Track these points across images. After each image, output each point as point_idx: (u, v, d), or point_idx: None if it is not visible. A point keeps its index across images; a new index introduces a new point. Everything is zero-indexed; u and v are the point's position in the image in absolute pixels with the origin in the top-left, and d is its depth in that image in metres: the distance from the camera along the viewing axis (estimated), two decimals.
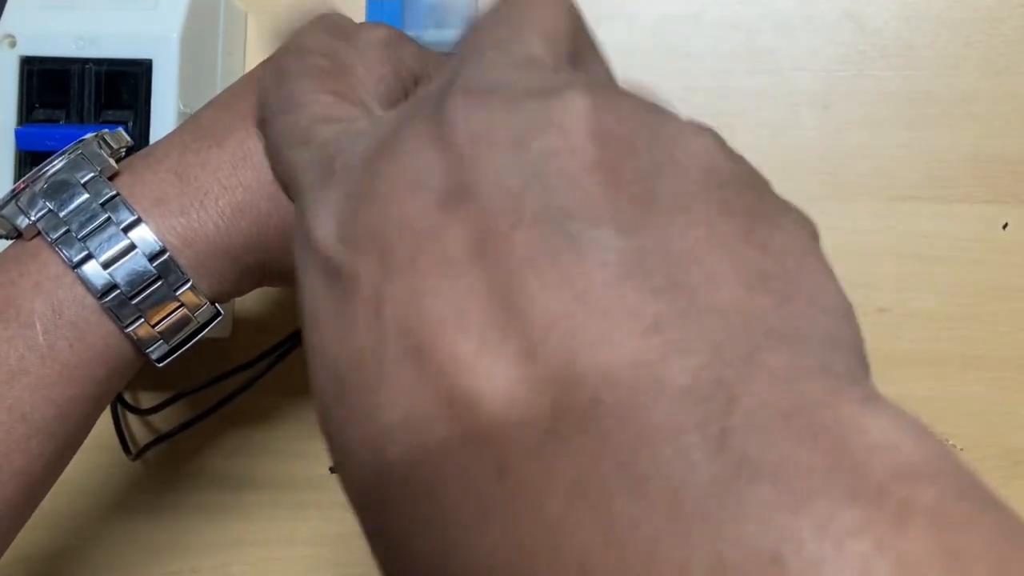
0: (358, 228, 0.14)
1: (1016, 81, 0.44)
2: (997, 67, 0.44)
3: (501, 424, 0.12)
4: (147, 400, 0.44)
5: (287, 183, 0.17)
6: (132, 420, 0.45)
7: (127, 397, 0.44)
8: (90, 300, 0.30)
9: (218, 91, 0.43)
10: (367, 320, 0.14)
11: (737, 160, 0.14)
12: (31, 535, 0.32)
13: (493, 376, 0.12)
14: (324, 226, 0.15)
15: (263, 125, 0.18)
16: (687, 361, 0.12)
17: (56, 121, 0.40)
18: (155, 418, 0.44)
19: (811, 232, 0.14)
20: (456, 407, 0.12)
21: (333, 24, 0.21)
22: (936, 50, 0.44)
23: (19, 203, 0.30)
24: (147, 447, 0.44)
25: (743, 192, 0.14)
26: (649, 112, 0.14)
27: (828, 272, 0.14)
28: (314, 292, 0.15)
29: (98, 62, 0.39)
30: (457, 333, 0.13)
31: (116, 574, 0.45)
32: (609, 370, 0.12)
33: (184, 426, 0.44)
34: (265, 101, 0.19)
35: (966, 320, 0.43)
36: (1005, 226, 0.44)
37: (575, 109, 0.14)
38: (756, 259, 0.13)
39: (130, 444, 0.44)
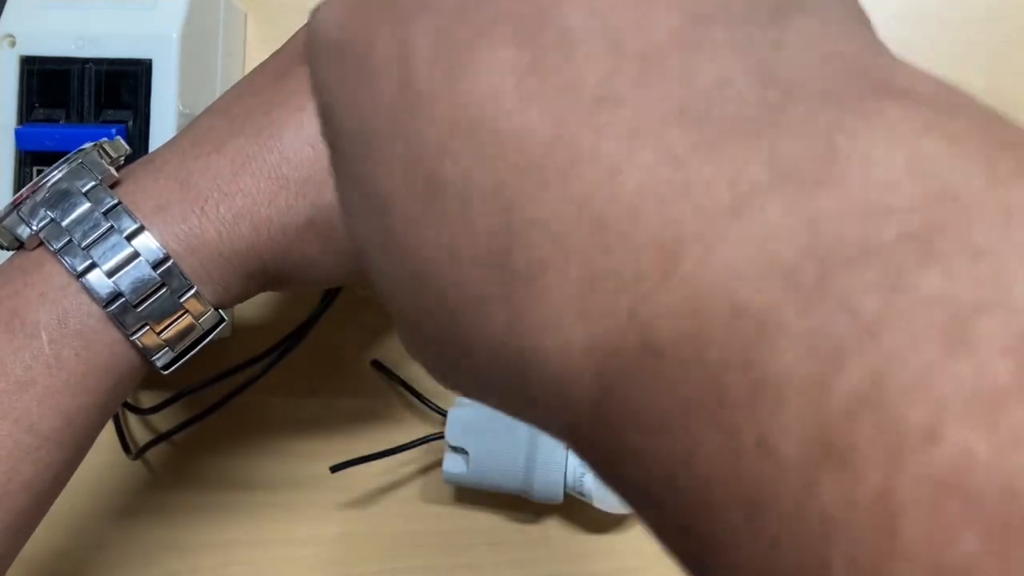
0: (362, 4, 0.15)
1: (1016, 81, 0.44)
2: (997, 67, 0.44)
3: (534, 93, 0.13)
4: (147, 400, 0.44)
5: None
6: (132, 420, 0.45)
7: (127, 397, 0.44)
8: (95, 309, 0.30)
9: (218, 91, 0.43)
10: (389, 69, 0.14)
11: None
12: (32, 534, 0.32)
13: (532, 67, 0.13)
14: (327, 18, 0.16)
15: None
16: (721, 28, 0.12)
17: (56, 121, 0.40)
18: (155, 418, 0.44)
19: None
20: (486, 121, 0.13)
21: None
22: (936, 50, 0.44)
23: (20, 213, 0.30)
24: (147, 447, 0.44)
25: None
26: None
27: None
28: (326, 82, 0.16)
29: (98, 62, 0.39)
30: (490, 45, 0.13)
31: (116, 574, 0.45)
32: (654, 40, 0.12)
33: (184, 425, 0.44)
34: None
35: None
36: None
37: None
38: None
39: (130, 444, 0.44)
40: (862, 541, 0.09)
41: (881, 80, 0.12)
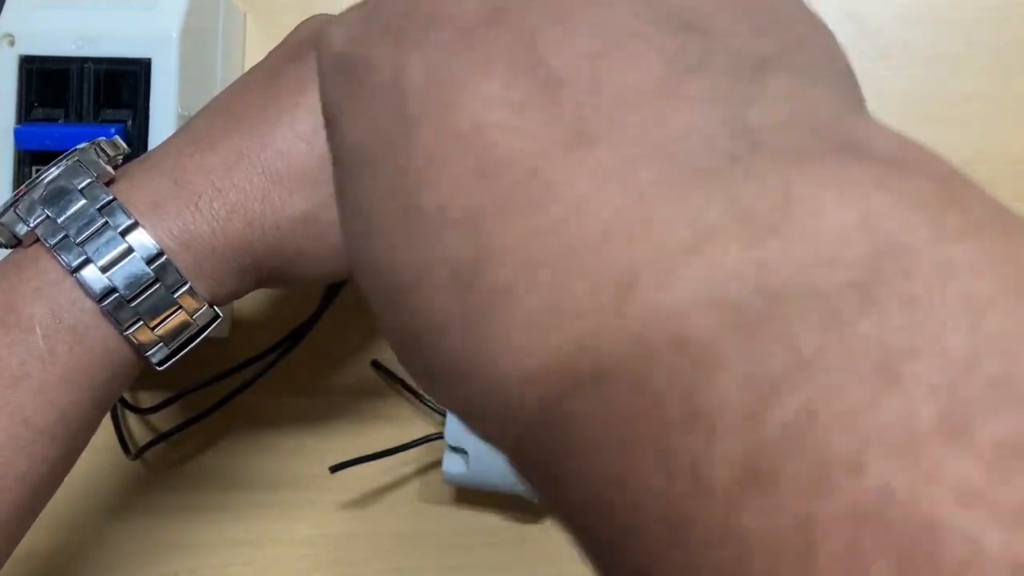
0: (368, 27, 0.16)
1: (1016, 81, 0.44)
2: (997, 67, 0.44)
3: (518, 132, 0.13)
4: (147, 400, 0.44)
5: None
6: (132, 420, 0.45)
7: (127, 397, 0.44)
8: (89, 304, 0.30)
9: (217, 91, 0.43)
10: (385, 93, 0.15)
11: None
12: (30, 535, 0.31)
13: (515, 107, 0.13)
14: (336, 34, 0.16)
15: None
16: (700, 81, 0.13)
17: (55, 120, 0.40)
18: (154, 418, 0.44)
19: (818, 19, 0.16)
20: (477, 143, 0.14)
21: None
22: (936, 50, 0.44)
23: (17, 211, 0.31)
24: (147, 447, 0.44)
25: None
26: None
27: (836, 44, 0.15)
28: (330, 96, 0.16)
29: (97, 61, 0.39)
30: (481, 79, 0.14)
31: (115, 574, 0.45)
32: (634, 87, 0.13)
33: (183, 425, 0.44)
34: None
35: None
36: None
37: None
38: (763, 15, 0.15)
39: (129, 444, 0.44)
40: (778, 566, 0.10)
41: (845, 138, 0.12)
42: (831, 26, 0.16)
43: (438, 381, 0.15)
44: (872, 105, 0.48)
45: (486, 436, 0.14)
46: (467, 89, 0.14)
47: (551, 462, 0.13)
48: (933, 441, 0.09)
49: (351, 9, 0.17)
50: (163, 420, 0.44)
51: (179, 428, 0.44)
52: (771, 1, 0.15)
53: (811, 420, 0.10)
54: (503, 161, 0.13)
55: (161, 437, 0.44)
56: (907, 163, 0.12)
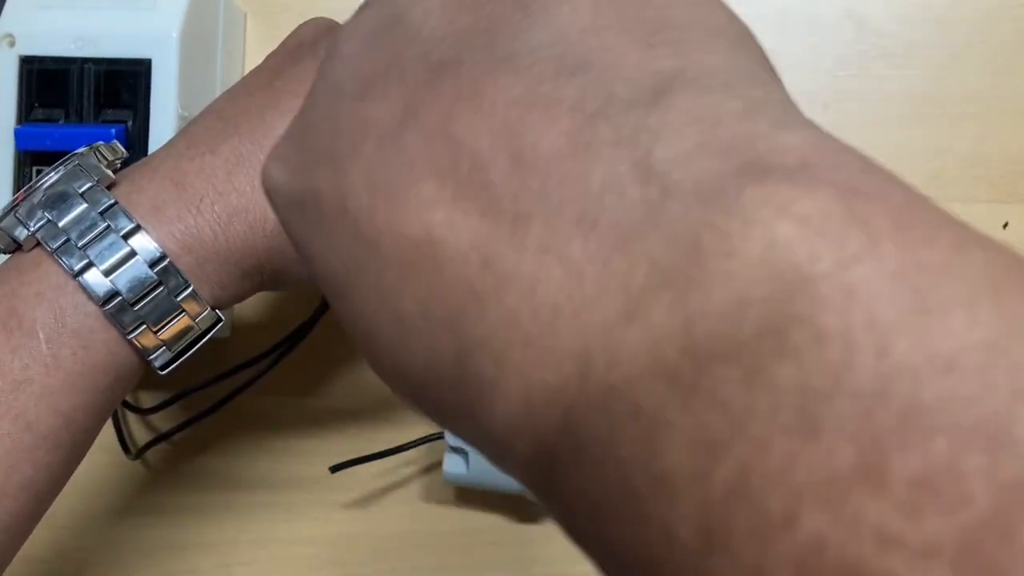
0: (303, 157, 0.16)
1: (1016, 81, 0.44)
2: (997, 67, 0.44)
3: (462, 231, 0.14)
4: (147, 400, 0.44)
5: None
6: (132, 420, 0.45)
7: (127, 397, 0.44)
8: (92, 308, 0.30)
9: (217, 91, 0.43)
10: (338, 220, 0.15)
11: None
12: (30, 535, 0.31)
13: (452, 209, 0.14)
14: (277, 173, 0.17)
15: None
16: (604, 124, 0.13)
17: (55, 120, 0.40)
18: (155, 418, 0.44)
19: None
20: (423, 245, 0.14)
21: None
22: (936, 50, 0.44)
23: (17, 215, 0.30)
24: (147, 447, 0.44)
25: None
26: None
27: (722, 9, 0.15)
28: (291, 229, 0.17)
29: (97, 61, 0.39)
30: (412, 184, 0.14)
31: (116, 574, 0.45)
32: (549, 152, 0.13)
33: (184, 426, 0.44)
34: None
35: None
36: (1005, 225, 0.44)
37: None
38: (645, 19, 0.14)
39: (130, 444, 0.44)
40: None
41: (751, 155, 0.12)
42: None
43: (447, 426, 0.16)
44: (872, 105, 0.48)
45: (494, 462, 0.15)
46: (406, 196, 0.14)
47: (566, 522, 0.14)
48: (853, 485, 0.10)
49: (279, 144, 0.18)
50: (163, 420, 0.44)
51: (179, 428, 0.44)
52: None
53: (747, 478, 0.10)
54: (457, 257, 0.13)
55: (161, 437, 0.44)
56: (811, 179, 0.12)
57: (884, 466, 0.10)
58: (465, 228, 0.13)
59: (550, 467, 0.13)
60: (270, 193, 0.18)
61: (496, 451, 0.14)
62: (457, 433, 0.15)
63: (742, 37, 0.15)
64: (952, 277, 0.11)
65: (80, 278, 0.30)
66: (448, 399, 0.14)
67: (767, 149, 0.12)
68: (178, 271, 0.30)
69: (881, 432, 0.10)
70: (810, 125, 0.13)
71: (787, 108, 0.14)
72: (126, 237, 0.30)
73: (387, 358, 0.15)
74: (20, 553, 0.31)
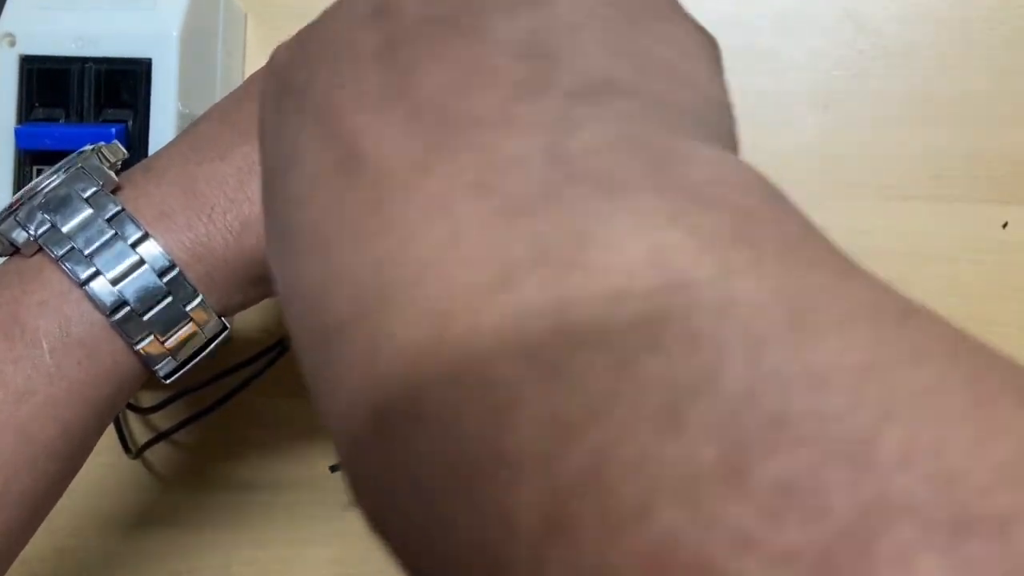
0: (298, 52, 0.17)
1: (1016, 81, 0.44)
2: (997, 67, 0.44)
3: (378, 159, 0.14)
4: (147, 399, 0.44)
5: None
6: (132, 419, 0.45)
7: (124, 406, 0.44)
8: (98, 317, 0.29)
9: (217, 91, 0.43)
10: (298, 111, 0.16)
11: None
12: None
13: (382, 135, 0.14)
14: (279, 55, 0.17)
15: None
16: (536, 105, 0.13)
17: (56, 120, 0.40)
18: (155, 417, 0.44)
19: (703, 42, 0.16)
20: (350, 160, 0.14)
21: None
22: (936, 50, 0.44)
23: (17, 218, 0.30)
24: (147, 446, 0.44)
25: None
26: None
27: (712, 73, 0.16)
28: (265, 109, 0.17)
29: (98, 61, 0.39)
30: (356, 108, 0.14)
31: (116, 574, 0.45)
32: (476, 115, 0.13)
33: (184, 425, 0.44)
34: None
35: (965, 319, 0.43)
36: (1005, 225, 0.44)
37: None
38: (628, 38, 0.15)
39: (130, 443, 0.44)
40: None
41: (663, 163, 0.13)
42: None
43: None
44: (872, 105, 0.48)
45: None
46: (346, 110, 0.14)
47: (383, 506, 0.13)
48: (713, 484, 0.10)
49: (283, 45, 0.18)
50: (163, 419, 0.44)
51: (179, 427, 0.44)
52: (647, 24, 0.15)
53: (602, 465, 0.10)
54: (370, 168, 0.14)
55: (161, 436, 0.44)
56: (712, 196, 0.12)
57: (747, 470, 0.09)
58: (383, 148, 0.14)
59: (380, 439, 0.12)
60: (271, 63, 0.18)
61: (336, 424, 0.13)
62: (317, 405, 0.15)
63: (721, 113, 0.15)
64: (832, 299, 0.11)
65: (87, 287, 0.29)
66: (309, 363, 0.14)
67: (680, 160, 0.13)
68: (188, 281, 0.30)
69: (746, 436, 0.10)
70: (728, 156, 0.13)
71: (722, 145, 0.14)
72: (134, 245, 0.29)
73: (273, 257, 0.16)
74: (20, 552, 0.31)
